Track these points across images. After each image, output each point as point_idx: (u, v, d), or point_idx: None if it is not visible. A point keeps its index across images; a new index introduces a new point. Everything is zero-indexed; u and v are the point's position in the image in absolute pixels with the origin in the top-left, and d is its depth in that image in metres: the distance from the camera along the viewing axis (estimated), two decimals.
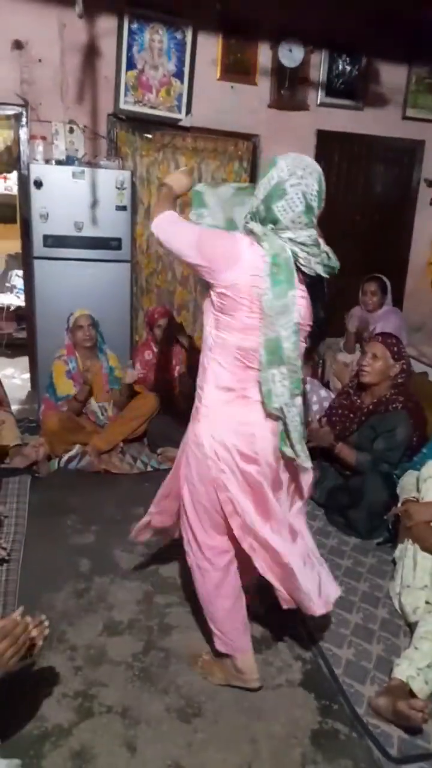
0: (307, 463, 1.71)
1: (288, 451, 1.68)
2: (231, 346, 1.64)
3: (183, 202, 1.98)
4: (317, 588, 1.76)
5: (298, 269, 1.62)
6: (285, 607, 1.79)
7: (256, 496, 1.69)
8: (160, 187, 1.90)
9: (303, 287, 1.66)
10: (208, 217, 1.93)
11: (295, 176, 1.58)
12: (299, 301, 1.62)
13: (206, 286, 1.70)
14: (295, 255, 1.60)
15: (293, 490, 1.82)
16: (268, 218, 1.61)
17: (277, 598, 1.80)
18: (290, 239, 1.59)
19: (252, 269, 1.59)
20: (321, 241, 1.63)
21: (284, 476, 1.76)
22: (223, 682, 1.85)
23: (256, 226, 1.62)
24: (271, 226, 1.61)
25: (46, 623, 1.60)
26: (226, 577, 1.78)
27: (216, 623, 1.81)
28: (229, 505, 1.69)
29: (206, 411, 1.71)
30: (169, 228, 1.72)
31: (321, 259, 1.63)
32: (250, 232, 1.64)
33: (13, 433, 3.21)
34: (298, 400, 1.66)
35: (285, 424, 1.65)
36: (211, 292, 1.66)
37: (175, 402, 3.70)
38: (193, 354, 3.59)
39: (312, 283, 1.68)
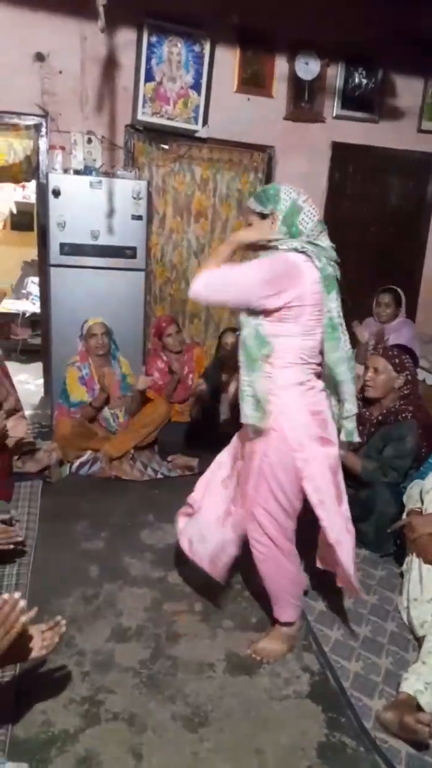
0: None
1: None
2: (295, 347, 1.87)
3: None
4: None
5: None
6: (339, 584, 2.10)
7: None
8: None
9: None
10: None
11: (302, 194, 1.87)
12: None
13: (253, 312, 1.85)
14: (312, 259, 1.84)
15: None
16: (292, 233, 1.85)
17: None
18: (315, 245, 1.85)
19: (313, 281, 1.82)
20: None
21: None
22: (287, 651, 2.06)
23: (306, 246, 1.82)
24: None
25: (63, 622, 1.62)
26: (293, 550, 2.01)
27: (288, 592, 2.03)
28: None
29: (280, 408, 1.86)
30: (222, 287, 1.83)
31: (334, 262, 1.90)
32: (298, 250, 1.82)
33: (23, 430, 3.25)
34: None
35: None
36: (266, 310, 1.82)
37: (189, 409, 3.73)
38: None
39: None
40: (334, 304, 1.85)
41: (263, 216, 1.90)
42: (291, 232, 1.85)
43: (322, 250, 1.85)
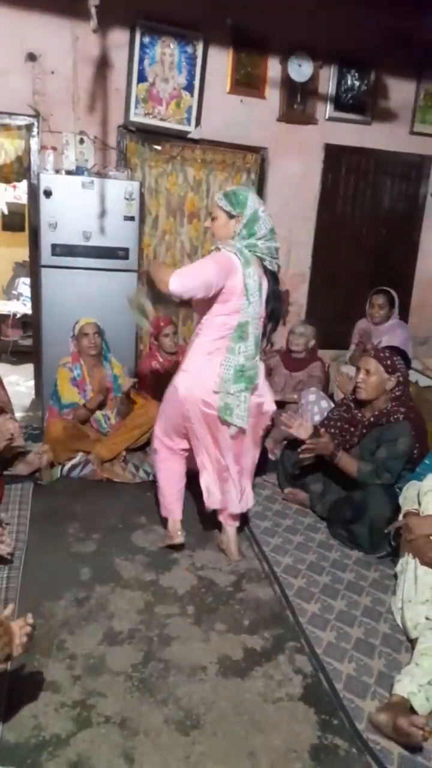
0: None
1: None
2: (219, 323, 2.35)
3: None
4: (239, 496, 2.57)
5: (265, 268, 2.39)
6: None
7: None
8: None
9: (266, 281, 2.39)
10: None
11: (263, 206, 2.36)
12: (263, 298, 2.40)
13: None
14: (263, 258, 2.38)
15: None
16: (249, 233, 2.33)
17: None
18: (265, 247, 2.36)
19: (241, 277, 2.29)
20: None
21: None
22: (163, 544, 2.64)
23: (244, 252, 2.30)
24: (250, 240, 2.34)
25: (30, 621, 1.62)
26: (173, 464, 2.63)
27: (162, 494, 2.67)
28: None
29: (186, 368, 2.43)
30: (192, 277, 2.23)
31: (277, 262, 2.44)
32: (240, 253, 2.29)
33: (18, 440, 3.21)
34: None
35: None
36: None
37: None
38: None
39: (273, 276, 2.43)
40: (250, 309, 2.30)
41: (230, 216, 2.32)
42: (249, 233, 2.32)
43: (265, 251, 2.34)
